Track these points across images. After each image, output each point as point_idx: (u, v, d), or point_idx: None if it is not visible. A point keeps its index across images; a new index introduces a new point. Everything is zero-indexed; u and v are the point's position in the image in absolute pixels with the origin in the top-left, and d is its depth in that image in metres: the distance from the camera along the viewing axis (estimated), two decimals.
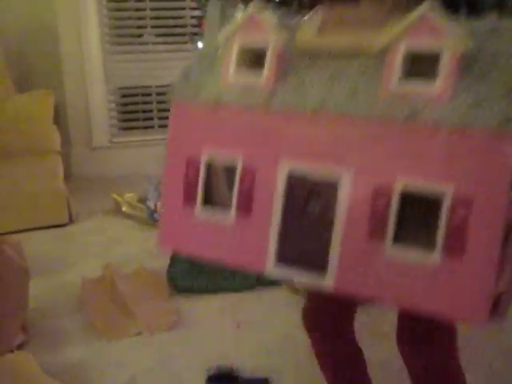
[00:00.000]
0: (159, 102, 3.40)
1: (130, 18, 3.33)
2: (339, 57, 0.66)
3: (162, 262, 1.92)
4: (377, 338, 1.49)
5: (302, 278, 0.67)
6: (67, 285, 1.96)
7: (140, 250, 2.21)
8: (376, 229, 0.61)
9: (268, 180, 0.67)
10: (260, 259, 0.69)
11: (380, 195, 0.61)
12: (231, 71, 0.71)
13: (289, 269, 0.67)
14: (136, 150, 3.30)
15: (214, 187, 0.73)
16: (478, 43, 0.60)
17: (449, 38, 0.58)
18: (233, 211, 0.70)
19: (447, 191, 0.57)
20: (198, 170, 0.72)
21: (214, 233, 0.72)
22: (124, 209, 2.61)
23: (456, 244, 0.57)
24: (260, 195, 0.68)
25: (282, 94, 0.67)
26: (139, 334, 1.66)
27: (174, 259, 1.93)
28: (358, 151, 0.62)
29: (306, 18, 0.74)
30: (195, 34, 2.73)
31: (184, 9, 3.31)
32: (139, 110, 3.42)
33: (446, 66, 0.58)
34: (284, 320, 1.70)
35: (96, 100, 3.27)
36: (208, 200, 0.72)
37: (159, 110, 3.41)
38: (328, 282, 0.64)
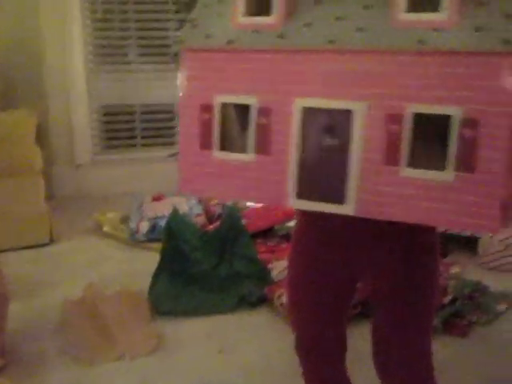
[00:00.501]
0: (142, 121, 3.41)
1: (114, 37, 3.34)
2: None
3: (144, 284, 1.92)
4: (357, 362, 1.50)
5: (323, 209, 0.70)
6: (48, 306, 1.94)
7: (121, 271, 2.20)
8: (391, 153, 0.65)
9: (284, 118, 0.70)
10: (281, 194, 0.72)
11: (393, 121, 0.64)
12: (240, 14, 0.73)
13: (310, 201, 0.71)
14: (119, 169, 3.30)
15: (227, 132, 0.75)
16: None
17: None
18: (251, 151, 0.73)
19: (456, 113, 0.61)
20: (212, 115, 0.75)
21: (233, 173, 0.75)
22: (105, 229, 2.60)
23: (466, 162, 0.62)
24: (277, 134, 0.71)
25: (292, 33, 0.70)
26: (120, 358, 1.65)
27: (156, 281, 1.93)
28: (370, 82, 0.66)
29: None
30: (177, 54, 2.75)
31: (168, 29, 3.34)
32: (122, 128, 3.42)
33: None
34: (266, 343, 1.70)
35: (79, 118, 3.27)
36: (222, 144, 0.75)
37: (142, 129, 3.42)
38: (348, 207, 0.68)
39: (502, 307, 1.78)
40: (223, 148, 0.75)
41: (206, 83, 0.76)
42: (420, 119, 0.63)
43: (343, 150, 0.67)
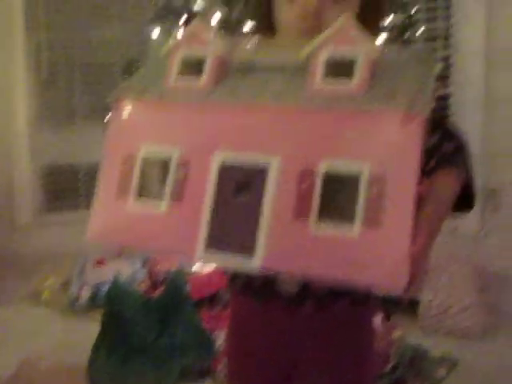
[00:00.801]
0: (86, 181, 3.36)
1: (59, 96, 3.33)
2: (271, 69, 0.74)
3: (84, 357, 1.85)
4: None
5: (230, 263, 0.69)
6: None
7: (60, 343, 2.11)
8: (301, 208, 0.66)
9: (201, 170, 0.71)
10: (190, 245, 0.70)
11: (305, 177, 0.66)
12: (173, 76, 0.76)
13: (218, 254, 0.69)
14: (61, 230, 3.21)
15: (146, 181, 0.74)
16: (394, 55, 0.71)
17: (363, 45, 0.67)
18: (165, 200, 0.72)
19: (363, 170, 0.64)
20: (133, 165, 0.74)
21: (146, 223, 0.73)
22: (44, 296, 2.50)
23: (373, 217, 0.62)
24: (193, 185, 0.71)
25: (218, 92, 0.73)
26: None
27: (95, 354, 1.87)
28: (283, 139, 0.68)
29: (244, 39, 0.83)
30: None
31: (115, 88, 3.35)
32: (66, 188, 3.37)
33: (360, 66, 0.67)
34: None
35: (21, 177, 3.19)
36: (140, 193, 0.74)
37: (86, 189, 3.37)
38: (255, 263, 0.67)
39: (442, 372, 1.81)
40: (140, 197, 0.75)
41: (131, 133, 0.77)
42: (330, 175, 0.66)
43: (256, 203, 0.68)
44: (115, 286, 2.03)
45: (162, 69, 0.80)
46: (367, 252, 0.63)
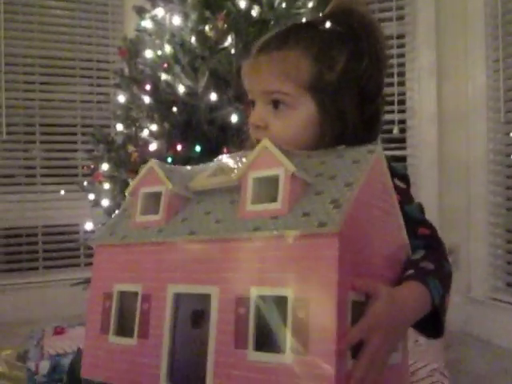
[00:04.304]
0: (45, 243, 3.28)
1: (18, 157, 3.28)
2: (220, 192, 0.80)
3: None
4: None
5: None
6: None
7: None
8: (240, 336, 0.68)
9: (160, 304, 0.76)
10: (156, 380, 0.75)
11: (241, 304, 0.68)
12: (137, 214, 0.86)
13: None
14: (19, 295, 3.11)
15: (122, 317, 0.82)
16: (321, 169, 0.74)
17: (281, 165, 0.71)
18: (135, 335, 0.79)
19: (288, 294, 0.64)
20: (112, 303, 0.83)
21: (121, 357, 0.80)
22: (0, 369, 2.39)
23: (301, 343, 0.63)
24: (154, 319, 0.77)
25: (169, 227, 0.81)
26: None
27: None
28: (221, 268, 0.72)
29: (202, 165, 0.91)
30: (87, 175, 2.73)
31: (76, 151, 3.34)
32: (23, 250, 3.27)
33: (282, 187, 0.70)
34: None
35: None
36: (121, 327, 0.82)
37: (45, 251, 3.28)
38: None
39: None
40: (117, 333, 0.83)
41: (108, 273, 0.87)
42: (264, 301, 0.67)
43: (204, 333, 0.71)
44: (78, 359, 1.96)
45: (130, 209, 0.89)
46: (298, 380, 0.63)
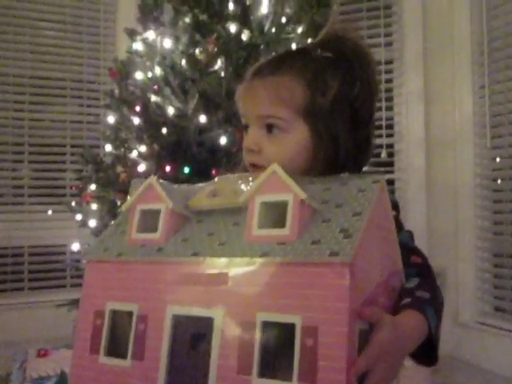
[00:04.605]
0: (31, 263, 3.24)
1: (6, 176, 3.26)
2: (222, 213, 0.79)
3: None
4: None
5: None
6: None
7: None
8: (244, 362, 0.66)
9: (158, 325, 0.74)
10: None
11: (245, 329, 0.66)
12: (133, 231, 0.83)
13: None
14: (2, 315, 3.05)
15: (115, 337, 0.79)
16: (327, 196, 0.73)
17: (291, 191, 0.70)
18: (129, 356, 0.76)
19: (297, 322, 0.63)
20: (104, 321, 0.80)
21: (113, 379, 0.77)
22: None
23: (309, 372, 0.61)
24: (151, 339, 0.74)
25: (169, 247, 0.78)
26: None
27: None
28: (225, 290, 0.70)
29: (199, 185, 0.88)
30: (74, 195, 2.72)
31: (65, 171, 3.32)
32: (8, 271, 3.23)
33: (291, 213, 0.69)
34: None
35: None
36: (113, 347, 0.79)
37: (30, 272, 3.24)
38: None
39: None
40: (109, 353, 0.79)
41: (100, 291, 0.83)
42: (269, 327, 0.66)
43: (206, 356, 0.69)
44: (61, 382, 1.93)
45: (124, 225, 0.87)
46: None
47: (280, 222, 0.70)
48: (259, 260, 0.69)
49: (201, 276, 0.74)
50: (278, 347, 0.65)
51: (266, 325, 0.66)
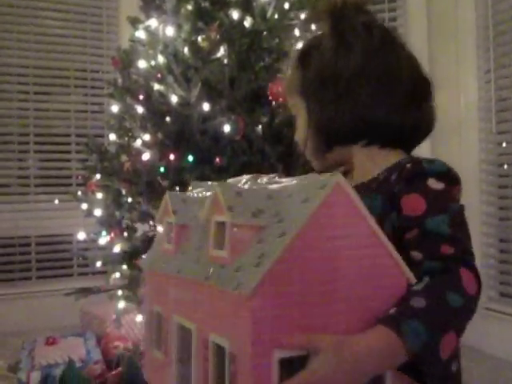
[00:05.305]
0: (38, 253, 3.27)
1: (12, 167, 3.27)
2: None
3: None
4: None
5: None
6: None
7: None
8: (205, 378, 0.70)
9: (170, 329, 0.83)
10: None
11: (205, 346, 0.70)
12: (164, 242, 0.91)
13: None
14: (11, 305, 3.09)
15: (160, 335, 0.88)
16: (273, 212, 0.69)
17: (228, 214, 0.68)
18: (160, 354, 0.86)
19: (226, 347, 0.65)
20: (152, 321, 0.90)
21: (156, 370, 0.89)
22: None
23: None
24: (169, 341, 0.83)
25: (171, 261, 0.85)
26: None
27: None
28: (194, 307, 0.75)
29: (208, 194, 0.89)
30: (80, 184, 2.73)
31: (70, 160, 3.33)
32: (16, 260, 3.26)
33: (228, 235, 0.69)
34: None
35: None
36: (157, 346, 0.89)
37: (38, 261, 3.27)
38: None
39: None
40: (155, 349, 0.89)
41: (149, 297, 0.95)
42: (217, 348, 0.68)
43: (189, 369, 0.76)
44: (69, 371, 1.95)
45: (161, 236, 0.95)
46: None
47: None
48: (205, 283, 0.71)
49: (183, 292, 0.80)
50: (220, 368, 0.68)
51: (215, 345, 0.68)
